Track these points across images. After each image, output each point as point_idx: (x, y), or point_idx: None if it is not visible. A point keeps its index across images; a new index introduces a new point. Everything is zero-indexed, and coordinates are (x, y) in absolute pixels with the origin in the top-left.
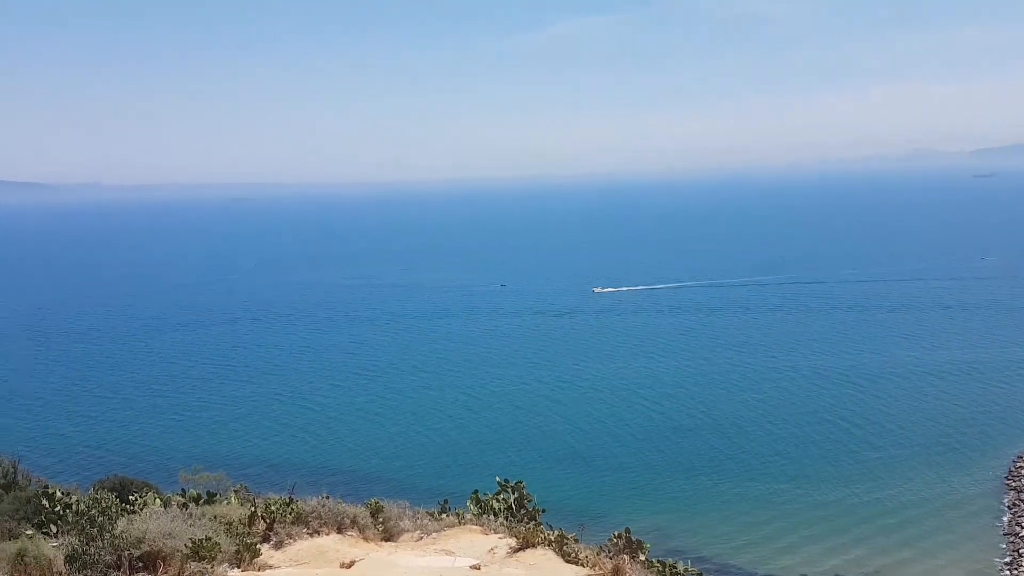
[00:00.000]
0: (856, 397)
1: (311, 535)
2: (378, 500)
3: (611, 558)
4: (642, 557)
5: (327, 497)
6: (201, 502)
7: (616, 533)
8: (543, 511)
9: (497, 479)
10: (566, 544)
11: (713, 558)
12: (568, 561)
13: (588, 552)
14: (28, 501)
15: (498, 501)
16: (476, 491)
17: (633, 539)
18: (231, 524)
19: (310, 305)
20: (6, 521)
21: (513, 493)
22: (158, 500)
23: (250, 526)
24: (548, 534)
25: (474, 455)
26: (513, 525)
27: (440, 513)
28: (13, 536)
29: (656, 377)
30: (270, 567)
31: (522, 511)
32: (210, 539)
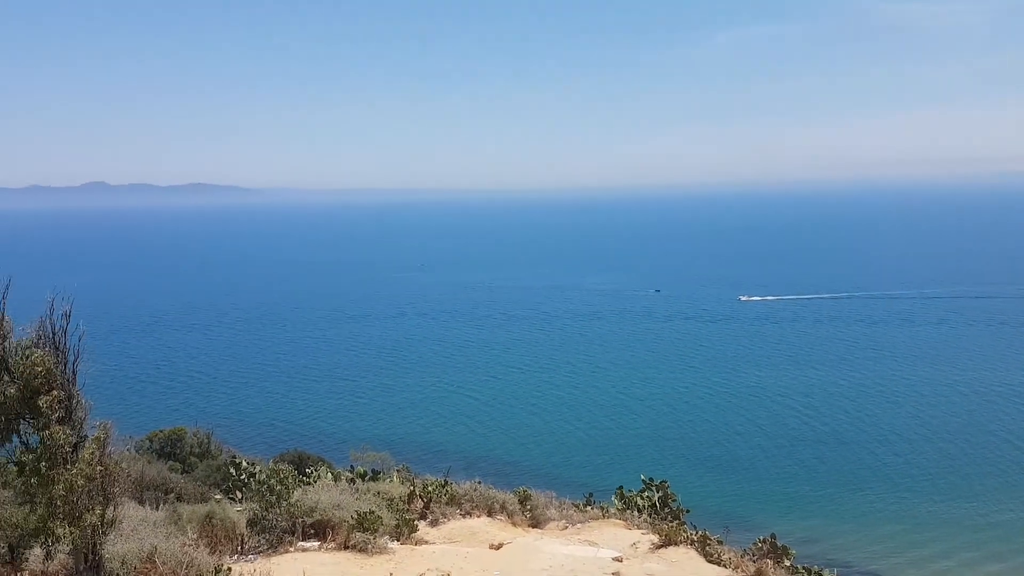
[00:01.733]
0: None
1: (463, 516)
2: (527, 488)
3: (754, 562)
4: (787, 563)
5: (479, 482)
6: (367, 478)
7: (761, 538)
8: (687, 511)
9: (642, 477)
10: (709, 545)
11: (862, 571)
12: (710, 561)
13: (731, 554)
14: (218, 469)
15: (642, 498)
16: (621, 487)
17: (778, 545)
18: (392, 500)
19: (470, 304)
20: (199, 485)
21: (657, 491)
22: (330, 474)
23: (409, 504)
24: (691, 533)
25: (621, 452)
26: (656, 522)
27: (585, 505)
28: (204, 499)
29: (809, 387)
30: (426, 542)
31: (666, 509)
32: (373, 512)
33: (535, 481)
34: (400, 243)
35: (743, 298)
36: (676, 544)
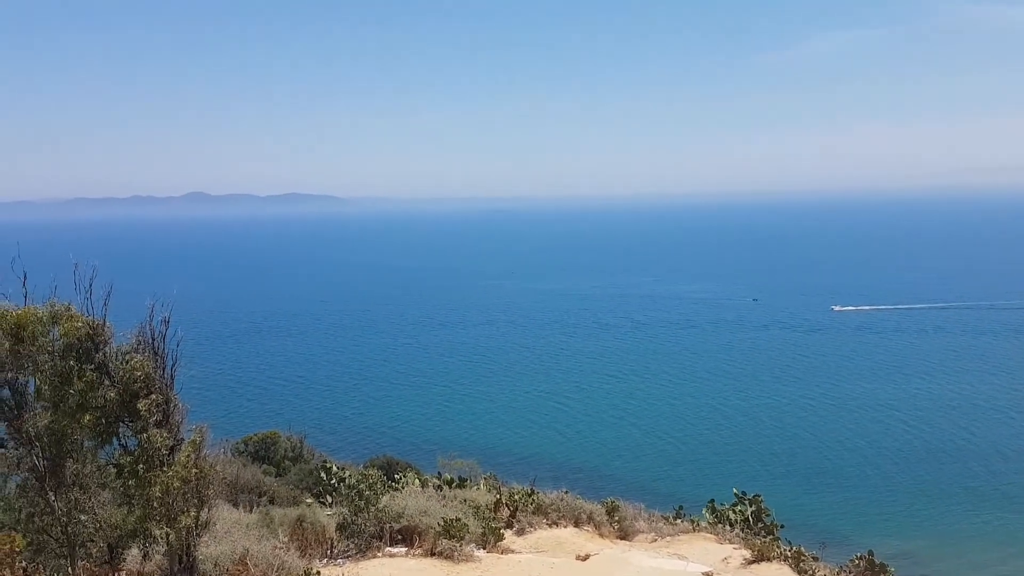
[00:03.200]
0: None
1: (550, 526)
2: (615, 499)
3: None
4: None
5: (566, 492)
6: (454, 485)
7: (858, 555)
8: (781, 526)
9: (734, 490)
10: (803, 561)
11: None
12: None
13: (826, 571)
14: (310, 473)
15: (734, 512)
16: (712, 500)
17: (876, 562)
18: (479, 508)
19: (561, 312)
20: (291, 489)
21: (750, 506)
22: (417, 480)
23: (495, 512)
24: (785, 549)
25: (713, 465)
26: (749, 537)
27: (675, 518)
28: (295, 503)
29: (916, 399)
30: (512, 551)
31: (759, 524)
32: (460, 520)
33: (624, 492)
34: (490, 250)
35: (836, 308)
36: (769, 560)
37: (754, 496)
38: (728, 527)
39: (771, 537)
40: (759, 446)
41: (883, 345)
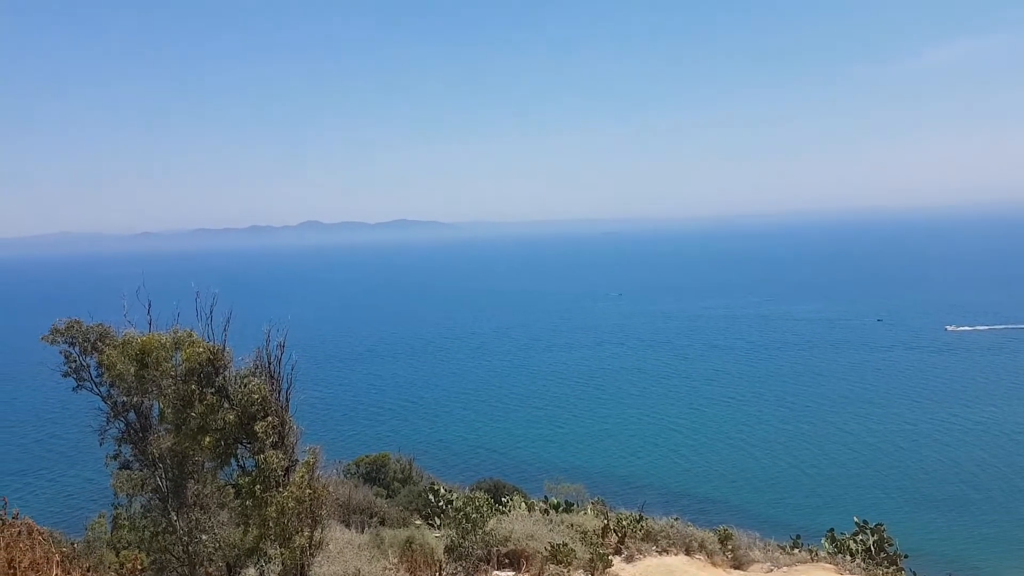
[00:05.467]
0: None
1: (660, 553)
2: (728, 527)
3: None
4: None
5: (676, 518)
6: (560, 510)
7: None
8: (905, 556)
9: (855, 519)
10: None
11: None
12: None
13: None
14: (419, 495)
15: (855, 542)
16: (831, 529)
17: None
18: (586, 533)
19: (671, 333)
20: (401, 510)
21: (872, 535)
22: (524, 504)
23: (603, 537)
24: None
25: (833, 492)
26: (871, 567)
27: (792, 547)
28: (405, 524)
29: None
30: None
31: (882, 554)
32: (567, 545)
33: (737, 520)
34: (597, 272)
35: (950, 328)
36: None
37: (876, 525)
38: (848, 557)
39: (894, 568)
40: (883, 472)
41: (1008, 366)
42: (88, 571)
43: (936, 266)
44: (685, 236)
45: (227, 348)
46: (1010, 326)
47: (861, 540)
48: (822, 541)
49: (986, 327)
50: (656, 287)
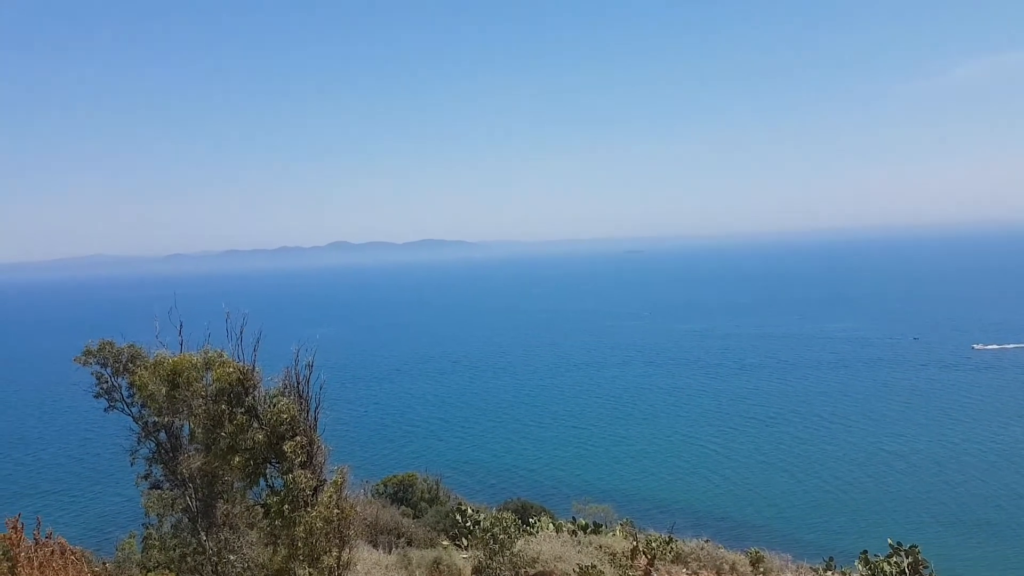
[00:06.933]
0: None
1: (690, 575)
2: (759, 549)
3: None
4: None
5: (707, 540)
6: (588, 531)
7: None
8: None
9: (889, 541)
10: None
11: None
12: None
13: None
14: (446, 515)
15: (889, 564)
16: (865, 551)
17: None
18: (615, 555)
19: (700, 352)
20: (428, 531)
21: (907, 557)
22: (551, 525)
23: (632, 559)
24: None
25: (867, 514)
26: None
27: (825, 570)
28: (432, 544)
29: None
30: None
31: None
32: (595, 567)
33: (768, 542)
34: (624, 291)
35: (976, 347)
36: None
37: (911, 547)
38: None
39: None
40: (919, 493)
41: None
42: None
43: (961, 284)
44: (708, 253)
45: (257, 368)
46: None
47: (895, 562)
48: (855, 563)
49: (1013, 345)
50: (683, 305)
